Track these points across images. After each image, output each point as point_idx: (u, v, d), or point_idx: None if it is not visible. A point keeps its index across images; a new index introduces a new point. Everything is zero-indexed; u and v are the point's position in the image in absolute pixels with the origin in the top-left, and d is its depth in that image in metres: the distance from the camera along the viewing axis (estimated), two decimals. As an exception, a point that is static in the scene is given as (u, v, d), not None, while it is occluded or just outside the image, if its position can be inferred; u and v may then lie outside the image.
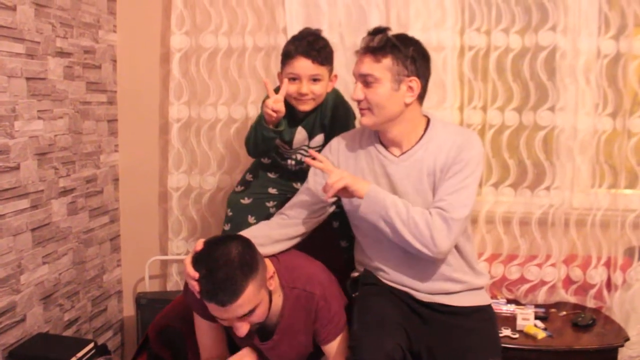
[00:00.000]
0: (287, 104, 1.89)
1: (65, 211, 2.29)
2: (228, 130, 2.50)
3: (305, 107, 1.91)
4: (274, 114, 1.82)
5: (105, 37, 2.52)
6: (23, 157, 2.03)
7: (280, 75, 1.93)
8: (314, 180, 1.82)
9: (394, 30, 2.29)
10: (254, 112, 2.45)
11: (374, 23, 2.28)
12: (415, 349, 1.62)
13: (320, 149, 1.98)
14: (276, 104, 1.81)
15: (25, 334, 2.07)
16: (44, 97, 2.13)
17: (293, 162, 2.08)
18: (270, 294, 1.59)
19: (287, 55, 1.87)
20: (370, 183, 1.69)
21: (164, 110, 2.59)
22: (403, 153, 1.72)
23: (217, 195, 2.56)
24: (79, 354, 2.00)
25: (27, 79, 2.03)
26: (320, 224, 1.86)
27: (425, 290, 1.70)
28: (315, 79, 1.87)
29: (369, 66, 1.66)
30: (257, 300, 1.49)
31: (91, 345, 2.08)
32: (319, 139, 2.01)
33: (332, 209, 1.86)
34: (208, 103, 2.48)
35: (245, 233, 1.70)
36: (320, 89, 1.89)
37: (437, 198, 1.65)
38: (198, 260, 1.51)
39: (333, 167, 1.72)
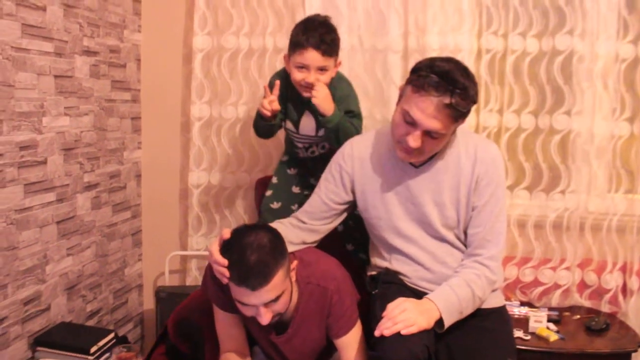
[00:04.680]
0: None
1: (90, 205, 2.36)
2: (248, 129, 2.53)
3: (310, 95, 1.96)
4: (269, 113, 1.96)
5: (130, 37, 2.59)
6: (50, 152, 2.10)
7: (287, 58, 2.00)
8: (326, 189, 1.83)
9: (412, 33, 2.34)
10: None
11: (393, 27, 2.32)
12: (434, 348, 1.62)
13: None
14: (272, 104, 1.95)
15: (49, 322, 2.14)
16: (71, 95, 2.20)
17: (302, 146, 2.14)
18: (291, 285, 1.62)
19: (298, 45, 1.91)
20: (429, 301, 1.55)
21: (185, 108, 2.65)
22: (422, 163, 1.71)
23: (237, 193, 2.62)
24: (100, 343, 2.07)
25: (55, 76, 2.11)
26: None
27: None
28: (322, 69, 1.93)
29: (443, 126, 1.54)
30: (283, 287, 1.52)
31: (112, 335, 2.15)
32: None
33: (344, 215, 1.87)
34: (229, 102, 2.53)
35: None
36: (326, 78, 1.95)
37: (474, 231, 1.68)
38: (227, 247, 1.53)
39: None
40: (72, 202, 2.24)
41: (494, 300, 1.74)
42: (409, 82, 1.60)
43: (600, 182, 2.32)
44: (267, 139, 2.20)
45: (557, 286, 2.35)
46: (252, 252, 1.47)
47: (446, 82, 1.50)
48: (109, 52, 2.43)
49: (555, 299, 2.35)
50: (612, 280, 2.32)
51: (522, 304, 2.34)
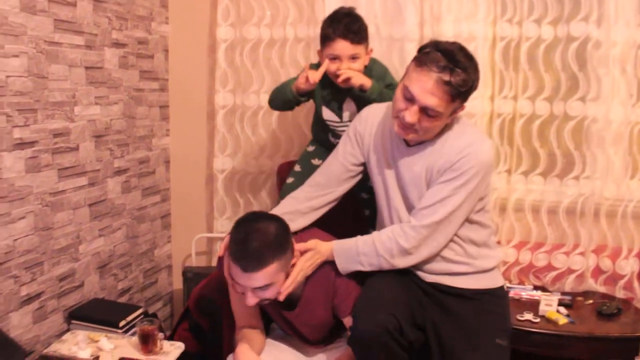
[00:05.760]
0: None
1: (120, 189, 2.50)
2: (270, 116, 2.63)
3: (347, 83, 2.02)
4: (303, 84, 2.00)
5: (158, 29, 2.70)
6: (82, 139, 2.24)
7: (320, 53, 2.08)
8: (343, 150, 1.88)
9: (428, 22, 2.37)
10: (294, 100, 2.59)
11: (409, 16, 2.36)
12: (420, 323, 1.70)
13: None
14: (314, 76, 1.99)
15: (83, 298, 2.30)
16: (101, 85, 2.33)
17: None
18: (286, 277, 1.68)
19: (327, 38, 2.01)
20: (330, 244, 1.74)
21: (210, 97, 2.74)
22: (417, 144, 1.74)
23: (259, 178, 2.71)
24: (129, 318, 2.21)
25: (86, 68, 2.23)
26: (350, 194, 1.94)
27: (429, 270, 1.75)
28: (354, 57, 2.00)
29: (439, 103, 1.58)
30: (275, 279, 1.61)
31: (140, 311, 2.28)
32: None
33: (358, 177, 1.91)
34: (251, 91, 2.62)
35: (276, 210, 1.83)
36: (359, 66, 2.02)
37: (421, 201, 1.70)
38: (238, 224, 1.62)
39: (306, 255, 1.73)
40: (102, 186, 2.38)
41: (490, 281, 1.78)
42: (413, 59, 1.66)
43: (617, 168, 2.31)
44: (281, 110, 2.28)
45: (570, 271, 2.37)
46: (256, 237, 1.56)
47: (447, 60, 1.56)
48: (137, 43, 2.55)
49: (569, 284, 2.37)
50: (628, 266, 2.32)
51: (536, 288, 2.37)
